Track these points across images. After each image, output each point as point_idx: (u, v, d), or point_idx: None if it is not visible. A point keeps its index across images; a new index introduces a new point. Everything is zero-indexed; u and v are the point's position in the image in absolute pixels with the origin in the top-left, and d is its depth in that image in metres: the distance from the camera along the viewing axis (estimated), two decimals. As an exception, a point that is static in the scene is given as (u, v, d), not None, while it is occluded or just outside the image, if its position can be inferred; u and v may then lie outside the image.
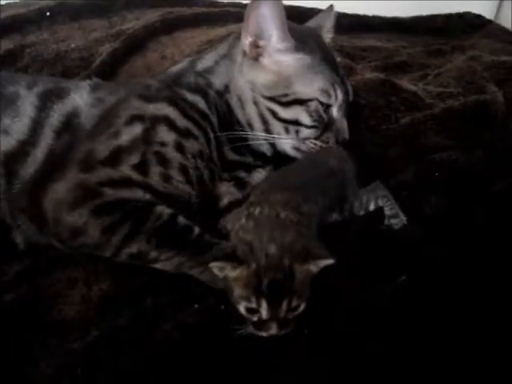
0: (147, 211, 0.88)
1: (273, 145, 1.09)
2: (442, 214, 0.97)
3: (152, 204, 0.89)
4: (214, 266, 0.74)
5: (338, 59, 1.17)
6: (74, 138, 0.97)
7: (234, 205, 1.02)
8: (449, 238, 0.91)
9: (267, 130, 1.06)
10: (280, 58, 1.04)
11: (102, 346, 0.74)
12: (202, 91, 1.07)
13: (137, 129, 0.96)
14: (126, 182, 0.90)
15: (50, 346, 0.76)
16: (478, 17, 2.19)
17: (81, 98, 1.02)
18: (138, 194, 0.90)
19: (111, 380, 0.70)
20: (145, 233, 0.86)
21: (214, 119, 1.06)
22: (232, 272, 0.73)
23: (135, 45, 1.59)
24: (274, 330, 0.72)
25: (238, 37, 1.07)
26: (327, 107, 1.06)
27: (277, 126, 1.06)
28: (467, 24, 2.15)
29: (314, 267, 0.74)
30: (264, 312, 0.71)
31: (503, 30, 2.12)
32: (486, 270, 0.85)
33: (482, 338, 0.75)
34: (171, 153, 0.96)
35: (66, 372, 0.72)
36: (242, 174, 1.07)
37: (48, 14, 1.72)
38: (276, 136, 1.06)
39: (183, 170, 0.96)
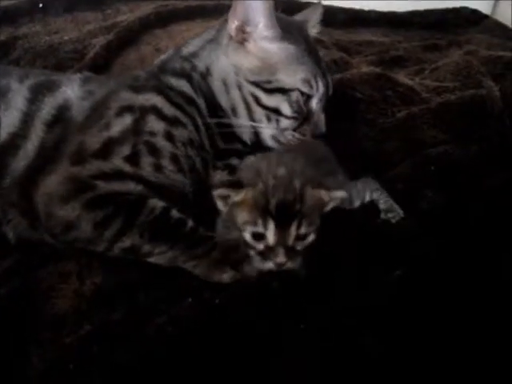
0: (140, 205, 0.87)
1: (255, 133, 1.08)
2: (438, 208, 0.97)
3: (145, 197, 0.88)
4: (218, 195, 0.72)
5: (321, 53, 1.18)
6: (66, 130, 0.96)
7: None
8: (445, 232, 0.91)
9: (250, 117, 1.06)
10: (265, 46, 1.04)
11: (95, 341, 0.73)
12: (186, 75, 1.07)
13: (127, 120, 0.95)
14: (118, 175, 0.90)
15: (43, 341, 0.75)
16: (475, 12, 2.19)
17: (72, 90, 1.01)
18: (130, 186, 0.89)
19: (104, 375, 0.69)
20: (138, 227, 0.85)
21: (201, 103, 1.06)
22: (237, 196, 0.71)
23: (129, 37, 1.57)
24: (281, 256, 0.69)
25: (226, 22, 1.06)
26: (308, 98, 1.06)
27: (259, 113, 1.05)
28: (463, 19, 2.15)
29: (325, 196, 0.72)
30: (271, 236, 0.69)
31: (500, 25, 2.12)
32: (482, 264, 0.85)
33: (478, 333, 0.75)
34: (161, 142, 0.95)
35: (59, 367, 0.71)
36: (235, 162, 1.05)
37: (41, 5, 1.70)
38: (258, 124, 1.06)
39: (174, 158, 0.95)
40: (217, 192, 0.72)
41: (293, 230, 0.68)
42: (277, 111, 1.05)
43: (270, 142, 1.08)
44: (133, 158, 0.91)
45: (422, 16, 2.14)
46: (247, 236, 0.71)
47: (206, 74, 1.08)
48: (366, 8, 2.13)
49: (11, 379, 0.71)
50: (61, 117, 0.97)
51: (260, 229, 0.69)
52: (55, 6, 1.72)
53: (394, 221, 0.94)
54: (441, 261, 0.86)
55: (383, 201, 0.96)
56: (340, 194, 0.72)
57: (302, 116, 1.06)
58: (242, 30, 1.03)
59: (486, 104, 1.25)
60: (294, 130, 1.06)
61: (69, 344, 0.73)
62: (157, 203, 0.88)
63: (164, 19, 1.67)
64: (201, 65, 1.09)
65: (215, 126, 1.05)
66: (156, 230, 0.86)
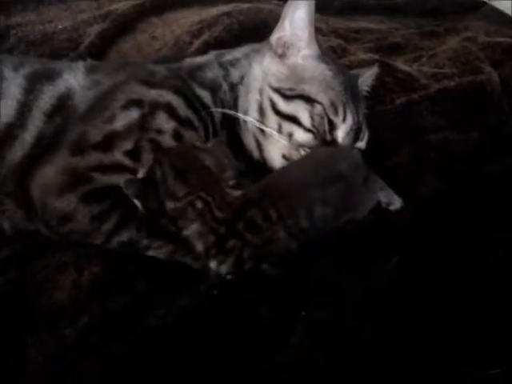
0: None
1: (260, 146, 1.01)
2: (439, 195, 0.96)
3: None
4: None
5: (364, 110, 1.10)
6: (66, 120, 0.93)
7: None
8: (446, 219, 0.90)
9: (261, 122, 1.00)
10: (302, 61, 1.01)
11: (94, 332, 0.73)
12: (213, 87, 1.03)
13: (133, 114, 0.92)
14: (117, 168, 0.88)
15: (41, 333, 0.74)
16: (472, -2, 2.16)
17: (75, 79, 0.98)
18: None
19: (103, 367, 0.68)
20: (135, 221, 0.84)
21: (218, 115, 1.02)
22: None
23: (124, 25, 1.55)
24: None
25: None
26: (331, 125, 0.98)
27: (271, 121, 0.99)
28: (461, 5, 2.12)
29: None
30: None
31: (497, 11, 2.10)
32: (482, 250, 0.84)
33: (477, 321, 0.74)
34: (168, 141, 0.92)
35: (57, 359, 0.70)
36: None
37: (34, -6, 1.67)
38: (266, 129, 0.98)
39: None
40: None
41: None
42: (294, 119, 0.97)
43: (277, 161, 0.99)
44: (134, 154, 0.89)
45: (418, 3, 2.11)
46: None
47: (237, 84, 1.04)
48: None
49: (9, 371, 0.70)
50: (62, 106, 0.95)
51: None
52: (48, -6, 1.69)
53: (393, 210, 0.92)
54: (442, 248, 0.85)
55: (384, 195, 0.93)
56: None
57: (322, 137, 0.97)
58: (284, 41, 1.01)
59: (486, 90, 1.24)
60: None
61: (67, 336, 0.72)
62: None
63: (159, 6, 1.64)
64: (236, 73, 1.06)
65: (223, 135, 1.00)
66: (154, 224, 0.84)
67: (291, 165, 0.95)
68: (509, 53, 1.43)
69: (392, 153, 1.08)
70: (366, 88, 1.16)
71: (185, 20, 1.55)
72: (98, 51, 1.45)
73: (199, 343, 0.72)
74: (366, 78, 1.15)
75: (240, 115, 1.02)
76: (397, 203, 0.93)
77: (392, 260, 0.80)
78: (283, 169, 0.95)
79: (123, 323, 0.73)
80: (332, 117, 0.97)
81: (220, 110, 1.01)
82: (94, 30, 1.51)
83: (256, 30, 1.42)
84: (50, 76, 0.98)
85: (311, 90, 0.98)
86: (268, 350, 0.70)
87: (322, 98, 0.97)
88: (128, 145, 0.89)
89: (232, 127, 1.03)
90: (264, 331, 0.73)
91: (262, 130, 0.99)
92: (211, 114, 1.01)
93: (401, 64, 1.39)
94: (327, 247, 0.81)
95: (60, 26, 1.55)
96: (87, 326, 0.73)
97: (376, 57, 1.39)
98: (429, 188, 0.98)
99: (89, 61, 1.08)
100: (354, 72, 1.16)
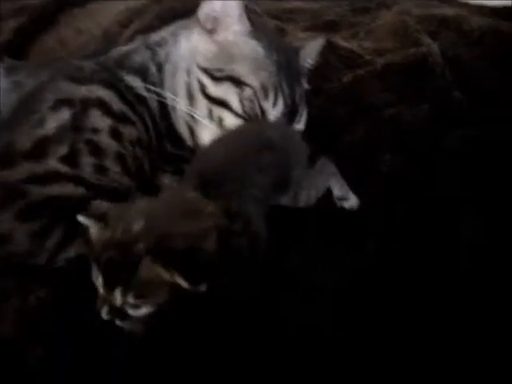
0: (82, 209, 0.76)
1: (192, 132, 0.96)
2: (399, 172, 0.94)
3: (86, 199, 0.79)
4: (81, 220, 0.66)
5: (305, 86, 1.05)
6: None
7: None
8: (411, 196, 0.88)
9: (190, 106, 0.94)
10: (233, 37, 0.94)
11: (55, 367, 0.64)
12: (142, 71, 0.96)
13: (64, 114, 0.84)
14: (54, 177, 0.79)
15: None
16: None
17: None
18: (69, 188, 0.79)
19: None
20: (82, 234, 0.75)
21: (153, 102, 0.95)
22: (92, 231, 0.65)
23: (45, 20, 1.42)
24: (103, 313, 0.62)
25: None
26: (261, 110, 0.93)
27: (201, 105, 0.93)
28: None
29: (165, 275, 0.60)
30: (100, 288, 0.62)
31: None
32: (455, 225, 0.83)
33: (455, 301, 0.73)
34: (105, 140, 0.84)
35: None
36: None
37: None
38: (196, 114, 0.93)
39: (120, 159, 0.85)
40: (80, 218, 0.65)
41: (117, 295, 0.60)
42: (223, 104, 0.92)
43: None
44: (71, 159, 0.81)
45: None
46: (93, 271, 0.63)
47: (163, 64, 0.97)
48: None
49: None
50: None
51: (94, 274, 0.63)
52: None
53: (347, 208, 0.88)
54: (412, 227, 0.83)
55: (338, 187, 0.89)
56: (182, 282, 0.59)
57: None
58: (213, 17, 0.93)
59: (428, 62, 1.24)
60: None
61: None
62: (101, 205, 0.78)
63: (81, -3, 1.53)
64: (162, 53, 0.98)
65: (164, 127, 0.95)
66: None
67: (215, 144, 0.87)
68: (444, 24, 1.43)
69: (345, 132, 1.05)
70: (309, 61, 1.09)
71: (110, 10, 1.45)
72: (17, 49, 1.32)
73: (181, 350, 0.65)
74: (310, 50, 1.09)
75: (169, 99, 0.95)
76: (353, 201, 0.88)
77: (368, 244, 0.77)
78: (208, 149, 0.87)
79: (89, 349, 0.65)
80: (262, 102, 0.93)
81: (149, 93, 0.94)
82: (10, 26, 1.38)
83: (190, 15, 1.33)
84: None
85: (241, 70, 0.92)
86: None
87: (252, 80, 0.92)
88: (63, 149, 0.81)
89: (168, 116, 0.96)
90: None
91: (193, 117, 0.94)
92: (148, 106, 0.94)
93: (341, 41, 1.36)
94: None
95: (-31, 25, 1.41)
96: (44, 360, 0.64)
97: (315, 35, 1.35)
98: (388, 165, 0.95)
99: (7, 60, 0.97)
100: (294, 46, 1.11)
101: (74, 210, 0.75)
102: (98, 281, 0.62)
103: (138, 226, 0.61)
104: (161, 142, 0.94)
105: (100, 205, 0.78)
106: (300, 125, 1.00)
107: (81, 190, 0.79)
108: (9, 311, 0.71)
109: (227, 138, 0.87)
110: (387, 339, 0.68)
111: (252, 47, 0.94)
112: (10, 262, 0.77)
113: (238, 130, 0.90)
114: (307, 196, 0.85)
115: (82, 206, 0.77)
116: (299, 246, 0.78)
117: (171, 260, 0.59)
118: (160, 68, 0.97)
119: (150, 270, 0.59)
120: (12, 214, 0.75)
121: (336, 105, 1.13)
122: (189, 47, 0.96)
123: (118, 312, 0.62)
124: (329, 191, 0.89)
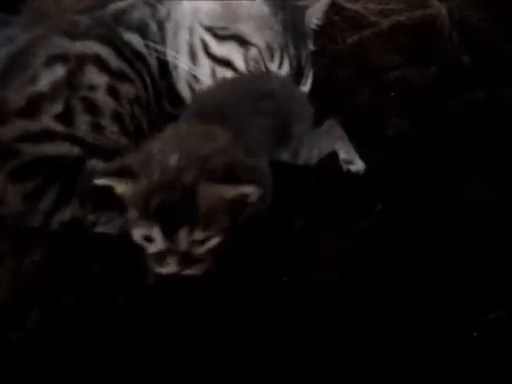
0: (77, 170, 0.75)
1: (194, 92, 0.93)
2: (404, 135, 0.92)
3: (82, 159, 0.76)
4: (100, 184, 0.60)
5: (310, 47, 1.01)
6: None
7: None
8: (415, 158, 0.86)
9: (193, 66, 0.92)
10: None
11: (48, 332, 0.62)
12: (141, 28, 0.92)
13: (59, 71, 0.80)
14: (48, 135, 0.76)
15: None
16: None
17: None
18: (64, 148, 0.76)
19: (64, 373, 0.58)
20: (77, 195, 0.73)
21: (152, 60, 0.91)
22: (119, 188, 0.60)
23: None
24: (171, 266, 0.57)
25: None
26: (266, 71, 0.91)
27: (204, 64, 0.91)
28: None
29: (228, 192, 0.58)
30: (159, 240, 0.57)
31: None
32: (461, 187, 0.81)
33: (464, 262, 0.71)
34: (102, 98, 0.81)
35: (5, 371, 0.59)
36: None
37: None
38: (199, 75, 0.90)
39: (117, 117, 0.82)
40: (97, 181, 0.60)
41: (183, 236, 0.56)
42: (227, 63, 0.89)
43: None
44: (66, 117, 0.78)
45: None
46: (136, 236, 0.59)
47: (164, 21, 0.93)
48: None
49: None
50: None
51: (145, 231, 0.58)
52: None
53: (354, 171, 0.85)
54: (419, 190, 0.80)
55: (345, 150, 0.86)
56: (249, 189, 0.57)
57: None
58: None
59: (435, 24, 1.21)
60: None
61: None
62: (97, 164, 0.75)
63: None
64: (163, 10, 0.94)
65: (163, 87, 0.91)
66: (99, 196, 0.73)
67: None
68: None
69: (350, 94, 1.02)
70: (315, 21, 1.03)
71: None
72: (8, 8, 1.26)
73: (172, 329, 0.63)
74: (315, 10, 1.03)
75: (170, 57, 0.91)
76: (359, 164, 0.86)
77: (375, 209, 0.74)
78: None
79: (81, 317, 0.62)
80: (267, 62, 0.90)
81: (148, 51, 0.90)
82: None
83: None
84: None
85: (246, 29, 0.89)
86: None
87: (258, 39, 0.89)
88: (57, 107, 0.78)
89: (169, 75, 0.92)
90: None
91: (195, 76, 0.90)
92: (147, 64, 0.90)
93: (345, 2, 1.31)
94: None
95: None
96: (38, 324, 0.62)
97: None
98: (394, 128, 0.93)
99: (-1, 15, 0.93)
100: (301, 3, 1.05)
101: (68, 170, 0.74)
102: (154, 233, 0.57)
103: (173, 160, 0.58)
104: (159, 101, 0.91)
105: (96, 165, 0.75)
106: (305, 87, 0.97)
107: (76, 150, 0.77)
108: (4, 274, 0.69)
109: (228, 84, 0.85)
110: (394, 305, 0.66)
111: (257, 6, 0.90)
112: (3, 225, 0.75)
113: (240, 77, 0.88)
114: (308, 154, 0.82)
115: (78, 166, 0.74)
116: (303, 209, 0.75)
117: (226, 174, 0.57)
118: (161, 26, 0.93)
119: (210, 194, 0.57)
120: (4, 174, 0.73)
121: (341, 66, 1.10)
122: (191, 5, 0.92)
123: (186, 258, 0.58)
124: (335, 154, 0.86)
